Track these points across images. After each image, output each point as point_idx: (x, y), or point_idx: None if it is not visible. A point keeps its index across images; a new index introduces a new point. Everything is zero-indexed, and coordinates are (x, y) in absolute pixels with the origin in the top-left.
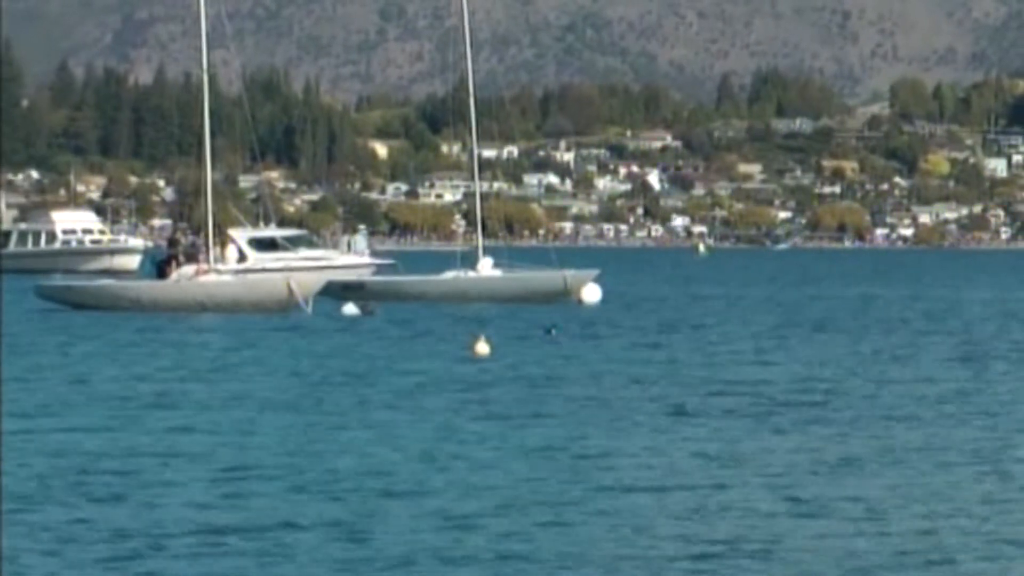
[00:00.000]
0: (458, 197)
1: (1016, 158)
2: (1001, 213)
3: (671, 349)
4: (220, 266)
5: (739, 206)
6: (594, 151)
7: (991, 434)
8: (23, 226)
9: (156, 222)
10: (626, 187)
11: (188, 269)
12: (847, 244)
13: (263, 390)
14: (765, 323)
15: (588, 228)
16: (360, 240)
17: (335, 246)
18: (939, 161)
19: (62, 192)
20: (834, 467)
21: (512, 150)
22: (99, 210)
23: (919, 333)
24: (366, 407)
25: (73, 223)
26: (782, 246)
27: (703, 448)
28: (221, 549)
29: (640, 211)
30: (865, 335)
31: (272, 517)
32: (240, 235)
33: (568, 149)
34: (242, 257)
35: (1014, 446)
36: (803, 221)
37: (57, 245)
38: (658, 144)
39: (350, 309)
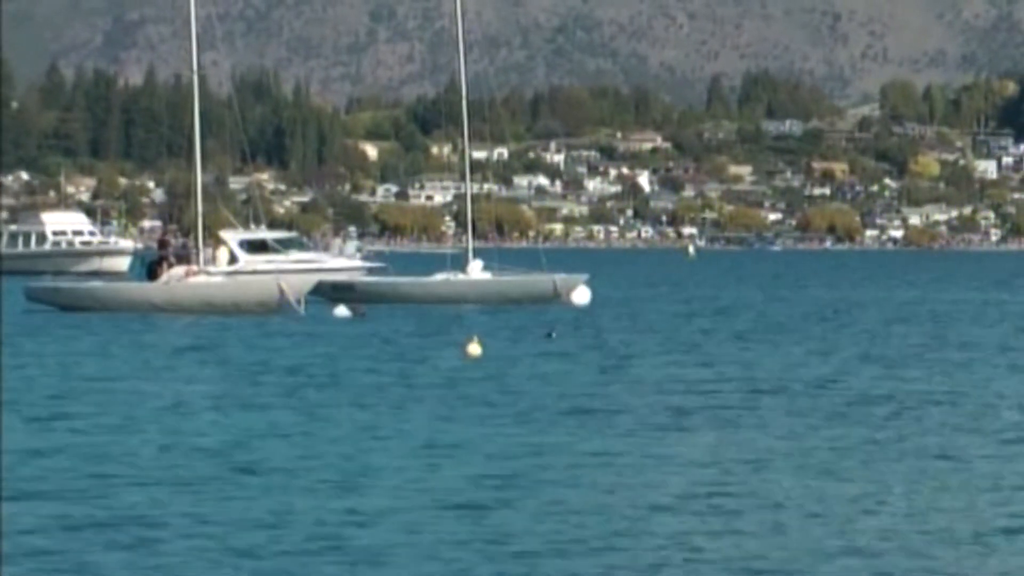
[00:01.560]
0: (448, 199)
1: (1006, 159)
2: (991, 214)
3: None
4: (210, 268)
5: (729, 208)
6: (584, 153)
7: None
8: (13, 228)
9: (146, 223)
10: (616, 189)
11: (178, 271)
12: (828, 245)
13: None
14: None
15: (578, 230)
16: (349, 245)
17: (326, 248)
18: (929, 163)
19: (52, 194)
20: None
21: (502, 152)
22: (89, 212)
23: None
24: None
25: (63, 224)
26: (776, 247)
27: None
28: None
29: (630, 213)
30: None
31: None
32: (231, 237)
33: (558, 151)
34: (233, 259)
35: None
36: (793, 223)
37: (47, 247)
38: (648, 146)
39: (341, 311)
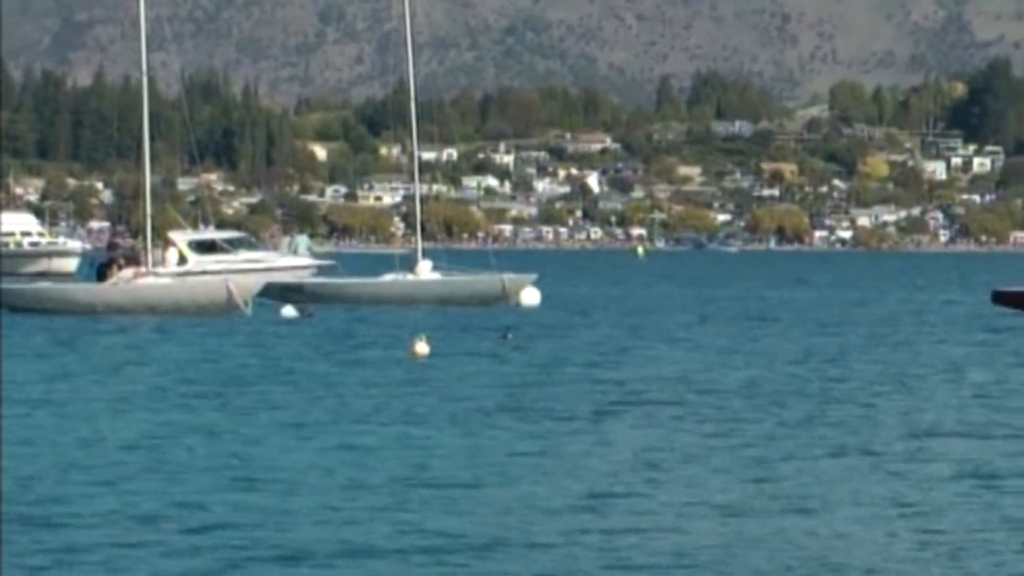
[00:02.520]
0: (397, 199)
1: (955, 161)
2: (940, 215)
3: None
4: (159, 269)
5: (678, 208)
6: (533, 154)
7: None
8: None
9: (95, 224)
10: (565, 189)
11: (127, 272)
12: (771, 246)
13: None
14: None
15: (527, 230)
16: (301, 243)
17: (275, 248)
18: (878, 164)
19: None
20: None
21: (451, 153)
22: (37, 212)
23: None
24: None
25: (11, 226)
26: (732, 249)
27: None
28: None
29: (579, 213)
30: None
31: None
32: (181, 238)
33: (507, 152)
34: (182, 260)
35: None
36: (742, 224)
37: None
38: (597, 147)
39: (289, 311)
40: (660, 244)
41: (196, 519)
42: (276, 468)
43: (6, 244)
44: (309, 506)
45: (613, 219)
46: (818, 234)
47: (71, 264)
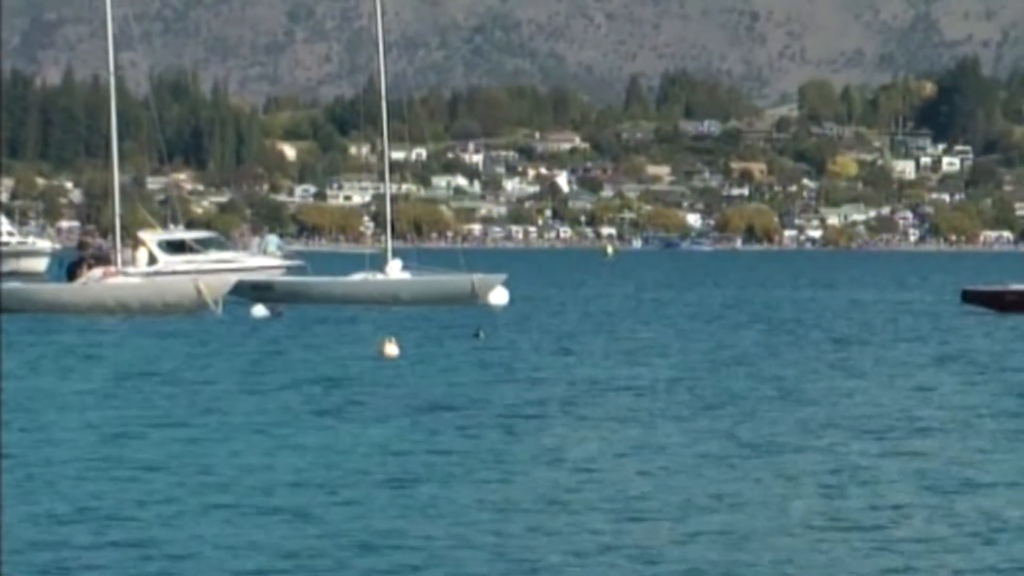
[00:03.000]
0: (366, 199)
1: (924, 160)
2: (909, 214)
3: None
4: (129, 268)
5: (648, 208)
6: (503, 153)
7: None
8: None
9: (64, 224)
10: (534, 189)
11: (96, 272)
12: (738, 245)
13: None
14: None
15: (497, 230)
16: (271, 242)
17: (245, 247)
18: (847, 163)
19: None
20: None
21: (421, 152)
22: (7, 212)
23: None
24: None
25: None
26: (706, 247)
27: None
28: None
29: (548, 213)
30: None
31: None
32: (151, 238)
33: (477, 151)
34: (152, 260)
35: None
36: (712, 223)
37: None
38: (567, 146)
39: (259, 311)
40: (636, 244)
41: (130, 521)
42: (219, 469)
43: None
44: (250, 505)
45: (582, 218)
46: (787, 233)
47: (41, 264)
